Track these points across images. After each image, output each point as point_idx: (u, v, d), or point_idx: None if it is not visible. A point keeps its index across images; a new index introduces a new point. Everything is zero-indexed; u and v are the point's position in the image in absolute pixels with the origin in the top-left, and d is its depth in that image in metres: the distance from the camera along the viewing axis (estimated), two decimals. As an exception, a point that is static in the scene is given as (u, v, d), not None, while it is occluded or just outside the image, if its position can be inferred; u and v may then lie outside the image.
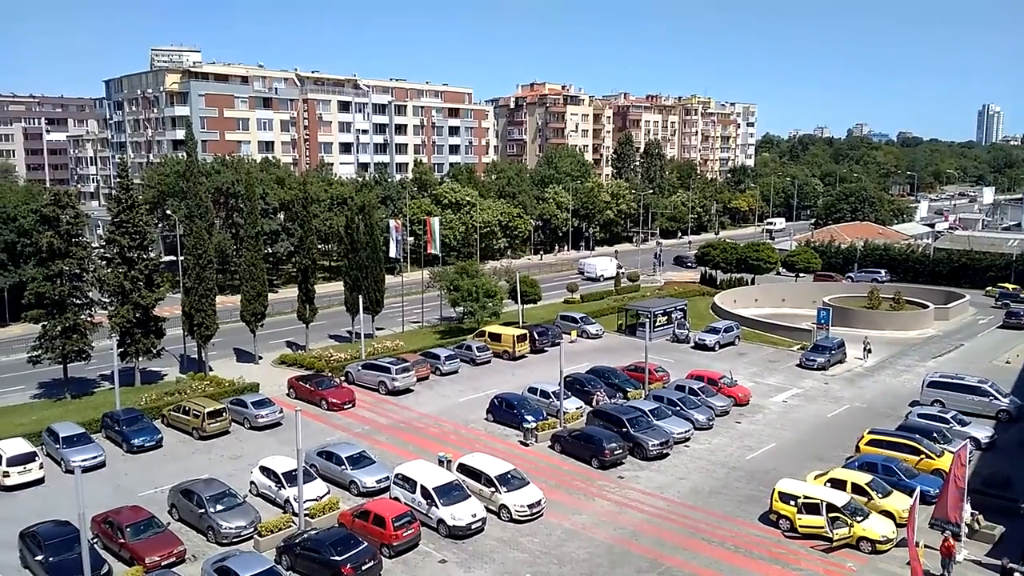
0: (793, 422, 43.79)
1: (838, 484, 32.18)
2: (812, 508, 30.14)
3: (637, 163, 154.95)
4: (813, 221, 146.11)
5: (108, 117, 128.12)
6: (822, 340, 57.21)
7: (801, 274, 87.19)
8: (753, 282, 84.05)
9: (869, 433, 38.02)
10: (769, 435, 41.67)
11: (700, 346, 59.67)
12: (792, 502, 30.66)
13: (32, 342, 48.40)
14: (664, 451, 38.24)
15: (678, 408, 42.44)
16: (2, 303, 66.99)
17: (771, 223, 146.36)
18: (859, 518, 29.74)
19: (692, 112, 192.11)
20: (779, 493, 31.25)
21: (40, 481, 35.11)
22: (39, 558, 26.90)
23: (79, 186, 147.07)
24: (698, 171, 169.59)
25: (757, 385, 50.06)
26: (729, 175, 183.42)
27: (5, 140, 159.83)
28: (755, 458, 38.48)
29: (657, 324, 61.72)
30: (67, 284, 47.28)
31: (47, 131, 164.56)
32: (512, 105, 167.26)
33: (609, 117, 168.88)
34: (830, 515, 29.74)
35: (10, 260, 65.46)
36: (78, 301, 48.23)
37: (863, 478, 32.50)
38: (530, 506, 31.65)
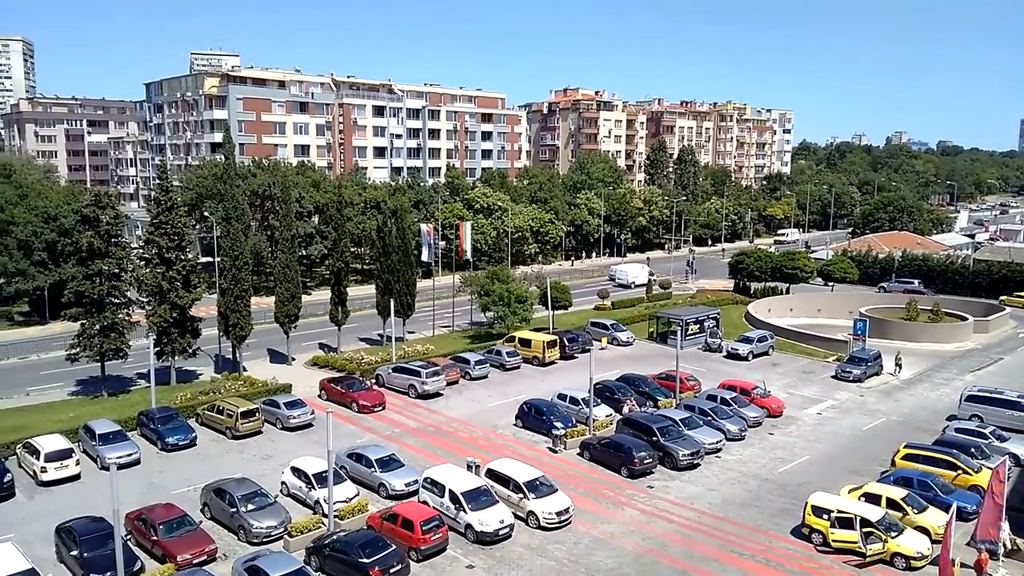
0: (827, 435, 43.12)
1: (873, 499, 31.64)
2: (846, 522, 29.67)
3: (670, 169, 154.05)
4: (850, 230, 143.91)
5: (148, 120, 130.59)
6: (858, 352, 56.31)
7: (834, 284, 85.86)
8: (788, 291, 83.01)
9: (905, 447, 37.33)
10: (803, 447, 41.09)
11: (733, 355, 59.04)
12: (825, 516, 30.20)
13: (71, 340, 49.32)
14: (695, 461, 37.87)
15: (710, 418, 42.01)
16: (42, 301, 68.44)
17: (783, 234, 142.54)
18: (894, 534, 29.21)
19: (727, 118, 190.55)
20: (812, 506, 30.81)
21: (76, 477, 35.75)
22: (74, 553, 27.38)
23: (119, 187, 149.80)
24: (733, 178, 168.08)
25: (791, 396, 49.40)
26: (764, 182, 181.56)
27: (47, 141, 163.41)
28: (788, 470, 37.96)
29: (689, 332, 61.18)
30: (106, 283, 48.16)
31: (88, 133, 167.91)
32: (545, 110, 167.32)
33: (642, 123, 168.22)
34: (864, 530, 29.25)
35: (51, 259, 66.86)
36: (116, 300, 49.08)
37: (898, 493, 31.92)
38: (558, 513, 31.53)
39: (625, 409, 44.52)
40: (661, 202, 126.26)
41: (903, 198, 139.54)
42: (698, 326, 62.92)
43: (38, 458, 35.44)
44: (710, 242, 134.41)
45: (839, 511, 30.02)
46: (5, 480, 33.94)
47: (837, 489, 33.54)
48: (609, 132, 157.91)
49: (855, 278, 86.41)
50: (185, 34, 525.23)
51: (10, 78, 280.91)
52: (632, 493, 35.11)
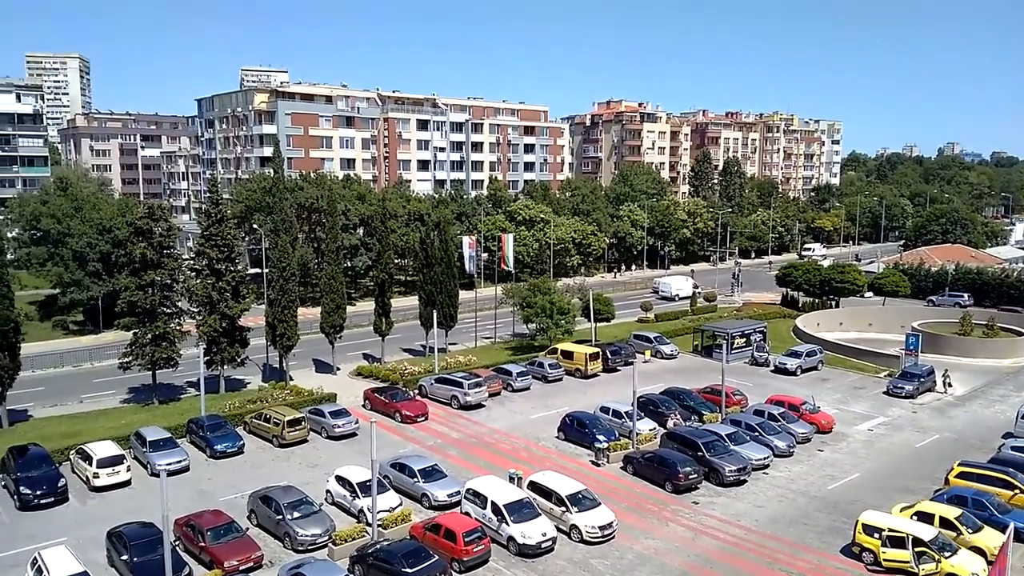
0: (879, 452, 42.10)
1: (925, 517, 30.78)
2: (897, 541, 28.91)
3: (715, 181, 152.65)
4: (902, 243, 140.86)
5: (199, 134, 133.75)
6: (911, 367, 54.94)
7: (886, 297, 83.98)
8: (838, 305, 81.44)
9: (959, 465, 36.30)
10: (853, 464, 40.16)
11: (780, 370, 58.04)
12: (876, 535, 29.48)
13: (123, 349, 50.51)
14: (741, 477, 37.24)
15: (757, 433, 41.32)
16: (96, 311, 70.28)
17: (809, 248, 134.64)
18: (947, 554, 28.38)
19: (774, 129, 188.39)
20: (863, 525, 30.10)
21: (127, 483, 36.44)
22: (124, 558, 27.90)
23: (171, 200, 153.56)
24: (779, 190, 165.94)
25: (841, 412, 48.36)
26: (813, 194, 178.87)
27: (102, 155, 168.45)
28: (837, 488, 37.13)
29: (735, 346, 60.32)
30: (158, 294, 49.31)
31: (142, 147, 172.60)
32: (588, 123, 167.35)
33: (687, 135, 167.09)
34: (916, 549, 28.48)
35: (105, 270, 68.66)
36: (168, 310, 50.20)
37: (952, 512, 31.01)
38: (601, 528, 31.24)
39: (669, 423, 44.04)
40: (706, 214, 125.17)
41: (956, 210, 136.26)
42: (744, 339, 61.99)
43: (91, 464, 36.24)
44: (753, 255, 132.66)
45: (891, 530, 29.27)
46: (59, 485, 34.77)
47: (889, 507, 32.70)
48: (653, 144, 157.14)
49: (907, 292, 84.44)
50: (236, 51, 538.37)
51: (67, 94, 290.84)
52: (677, 508, 34.66)
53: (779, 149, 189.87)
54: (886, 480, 37.97)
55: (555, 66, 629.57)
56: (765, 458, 39.27)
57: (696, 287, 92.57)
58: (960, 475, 35.49)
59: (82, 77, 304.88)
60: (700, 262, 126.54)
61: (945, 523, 30.39)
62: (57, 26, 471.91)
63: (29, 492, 33.94)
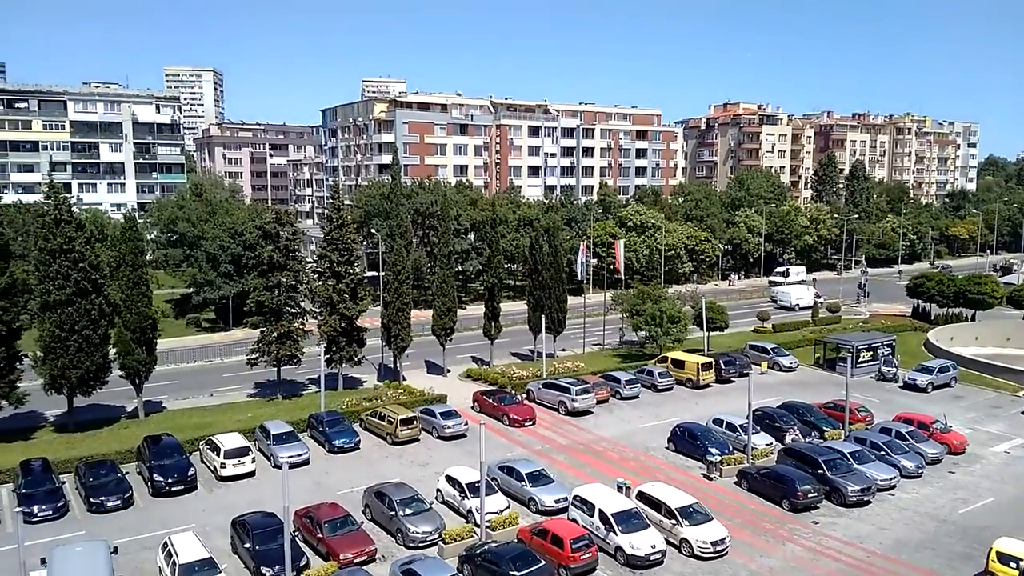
0: (1016, 475, 39.09)
1: (1072, 550, 28.29)
2: (1040, 575, 26.70)
3: (840, 186, 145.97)
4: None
5: (323, 143, 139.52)
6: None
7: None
8: (974, 318, 76.30)
9: (1115, 496, 33.21)
10: (987, 488, 37.46)
11: (910, 386, 54.80)
12: (1013, 564, 27.43)
13: (251, 346, 52.96)
14: (865, 498, 35.35)
15: (883, 453, 39.14)
16: (227, 310, 74.21)
17: (781, 272, 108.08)
18: (1100, 592, 25.98)
19: (905, 131, 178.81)
20: (997, 552, 28.05)
21: (252, 474, 38.11)
22: (247, 546, 29.16)
23: (297, 206, 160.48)
24: (911, 195, 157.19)
25: (975, 432, 45.21)
26: (947, 200, 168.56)
27: (234, 163, 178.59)
28: (970, 512, 34.71)
29: (860, 360, 57.41)
30: (284, 294, 51.51)
31: (270, 155, 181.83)
32: (703, 126, 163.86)
33: (810, 137, 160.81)
34: (1063, 585, 26.21)
35: (235, 271, 72.45)
36: (292, 310, 52.31)
37: (1104, 545, 28.36)
38: (713, 543, 30.32)
39: (788, 438, 42.37)
40: (829, 220, 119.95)
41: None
42: (871, 353, 58.89)
43: (218, 455, 38.11)
44: (863, 262, 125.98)
45: (1032, 561, 27.10)
46: (189, 474, 36.74)
47: (1029, 537, 30.29)
48: (772, 147, 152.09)
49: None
50: (358, 62, 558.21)
51: (202, 105, 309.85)
52: (794, 528, 33.26)
53: (910, 152, 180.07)
54: (1023, 506, 35.28)
55: (670, 70, 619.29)
56: (891, 478, 37.15)
57: (818, 297, 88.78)
58: (1115, 506, 32.54)
59: (216, 89, 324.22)
60: (823, 270, 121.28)
61: (1095, 557, 27.87)
62: (193, 41, 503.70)
63: (161, 479, 35.93)
